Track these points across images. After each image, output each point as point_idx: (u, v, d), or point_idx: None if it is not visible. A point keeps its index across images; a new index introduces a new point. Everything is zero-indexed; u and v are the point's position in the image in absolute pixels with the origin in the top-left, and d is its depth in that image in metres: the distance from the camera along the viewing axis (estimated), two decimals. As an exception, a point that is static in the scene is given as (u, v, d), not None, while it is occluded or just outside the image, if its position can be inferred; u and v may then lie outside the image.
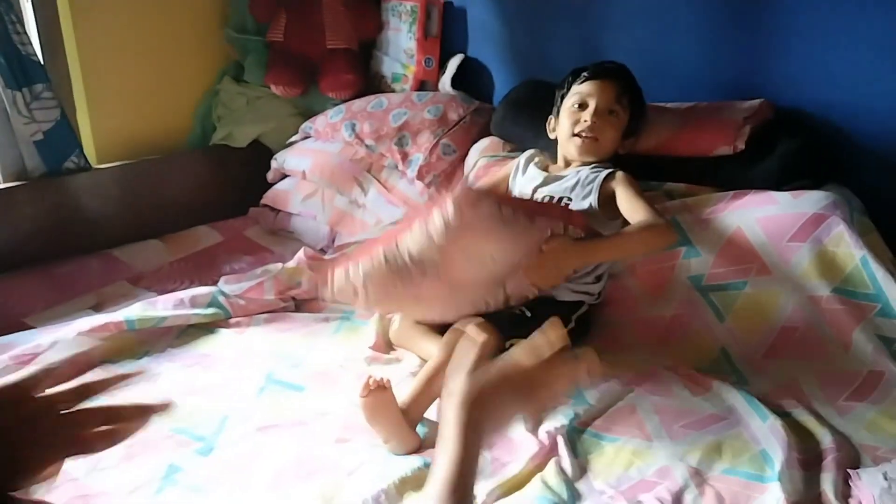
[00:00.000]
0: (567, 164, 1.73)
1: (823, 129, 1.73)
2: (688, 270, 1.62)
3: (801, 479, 1.15)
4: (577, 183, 1.64)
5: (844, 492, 1.13)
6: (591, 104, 1.66)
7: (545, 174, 1.72)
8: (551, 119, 1.78)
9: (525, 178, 1.74)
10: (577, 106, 1.68)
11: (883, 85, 1.66)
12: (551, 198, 1.66)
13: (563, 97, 1.73)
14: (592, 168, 1.66)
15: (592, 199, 1.61)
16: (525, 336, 1.49)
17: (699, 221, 1.65)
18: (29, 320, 1.77)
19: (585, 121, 1.65)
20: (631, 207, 1.57)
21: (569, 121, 1.68)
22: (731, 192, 1.67)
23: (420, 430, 1.31)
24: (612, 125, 1.67)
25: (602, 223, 1.59)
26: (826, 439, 1.24)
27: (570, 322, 1.59)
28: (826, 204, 1.58)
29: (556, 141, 1.76)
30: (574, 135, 1.66)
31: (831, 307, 1.48)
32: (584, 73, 1.70)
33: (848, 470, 1.16)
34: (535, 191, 1.69)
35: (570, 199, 1.63)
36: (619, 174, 1.63)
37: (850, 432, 1.28)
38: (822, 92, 1.74)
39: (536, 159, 1.79)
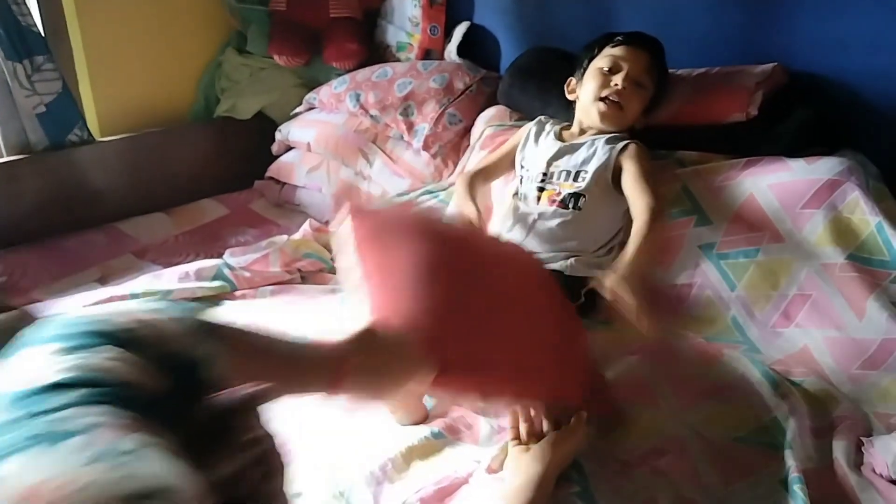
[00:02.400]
0: (582, 130, 1.69)
1: (838, 94, 1.69)
2: (699, 239, 1.60)
3: (814, 446, 1.13)
4: (593, 155, 1.60)
5: (857, 459, 1.12)
6: (624, 69, 1.61)
7: (560, 144, 1.68)
8: (572, 80, 1.73)
9: (539, 149, 1.70)
10: (607, 69, 1.62)
11: (900, 47, 1.62)
12: (568, 172, 1.62)
13: (591, 59, 1.68)
14: (608, 139, 1.62)
15: (608, 175, 1.58)
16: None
17: (711, 189, 1.62)
18: (35, 294, 1.77)
19: (616, 84, 1.60)
20: (633, 188, 1.52)
21: (595, 83, 1.63)
22: (744, 159, 1.63)
23: (426, 400, 1.30)
24: (639, 96, 1.62)
25: (614, 197, 1.57)
26: (838, 407, 1.23)
27: (580, 297, 1.57)
28: (841, 170, 1.54)
29: (569, 106, 1.72)
30: (600, 99, 1.62)
31: (845, 275, 1.45)
32: (619, 38, 1.65)
33: (861, 437, 1.15)
34: (549, 163, 1.66)
35: (586, 172, 1.60)
36: (632, 147, 1.59)
37: (863, 400, 1.27)
38: (837, 56, 1.70)
39: (548, 126, 1.75)
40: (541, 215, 1.62)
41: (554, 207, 1.61)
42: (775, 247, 1.53)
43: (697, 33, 1.91)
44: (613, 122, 1.63)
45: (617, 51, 1.63)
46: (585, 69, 1.68)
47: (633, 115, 1.63)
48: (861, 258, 1.46)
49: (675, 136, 1.75)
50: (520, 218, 1.66)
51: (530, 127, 1.77)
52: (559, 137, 1.70)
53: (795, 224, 1.52)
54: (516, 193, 1.72)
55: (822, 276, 1.48)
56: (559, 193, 1.61)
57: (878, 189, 1.54)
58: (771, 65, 1.70)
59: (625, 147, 1.59)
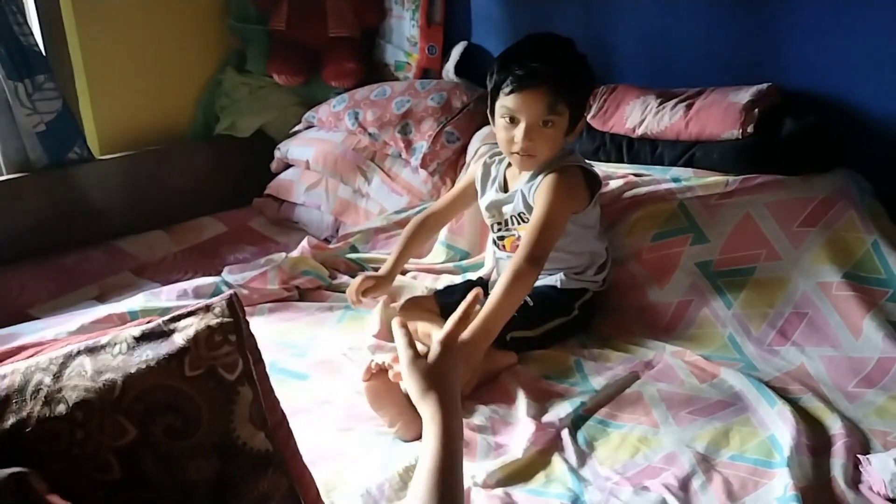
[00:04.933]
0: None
1: (832, 113, 1.70)
2: (695, 257, 1.61)
3: (811, 464, 1.13)
4: (524, 199, 1.57)
5: (854, 477, 1.11)
6: (522, 122, 1.47)
7: (501, 195, 1.63)
8: (489, 115, 1.58)
9: (487, 199, 1.67)
10: (507, 119, 1.49)
11: (892, 66, 1.63)
12: (517, 217, 1.60)
13: (492, 97, 1.53)
14: (529, 178, 1.56)
15: None
16: (528, 325, 1.50)
17: (707, 207, 1.63)
18: (33, 311, 1.77)
19: (517, 141, 1.48)
20: (527, 230, 1.46)
21: (501, 135, 1.52)
22: (740, 177, 1.65)
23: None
24: (548, 136, 1.48)
25: (569, 226, 1.55)
26: (835, 425, 1.22)
27: (574, 310, 1.58)
28: (836, 188, 1.56)
29: None
30: (511, 152, 1.53)
31: (842, 293, 1.46)
32: (510, 81, 1.46)
33: (858, 455, 1.15)
34: (500, 212, 1.64)
35: (528, 215, 1.56)
36: (543, 183, 1.50)
37: (860, 418, 1.27)
38: (831, 75, 1.72)
39: (493, 170, 1.68)
40: (510, 259, 1.61)
41: None
42: (772, 265, 1.54)
43: (694, 54, 1.93)
44: (532, 167, 1.55)
45: (509, 101, 1.46)
46: (493, 107, 1.54)
47: (549, 152, 1.52)
48: (857, 276, 1.47)
49: (670, 152, 1.77)
50: (497, 261, 1.69)
51: (479, 171, 1.70)
52: (503, 184, 1.65)
53: (791, 242, 1.53)
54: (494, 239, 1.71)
55: (819, 294, 1.48)
56: (519, 238, 1.61)
57: (873, 207, 1.55)
58: (766, 84, 1.72)
59: (539, 183, 1.52)
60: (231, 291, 0.64)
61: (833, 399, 1.33)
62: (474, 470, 1.13)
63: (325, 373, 1.48)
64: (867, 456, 1.14)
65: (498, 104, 1.50)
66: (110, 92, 2.26)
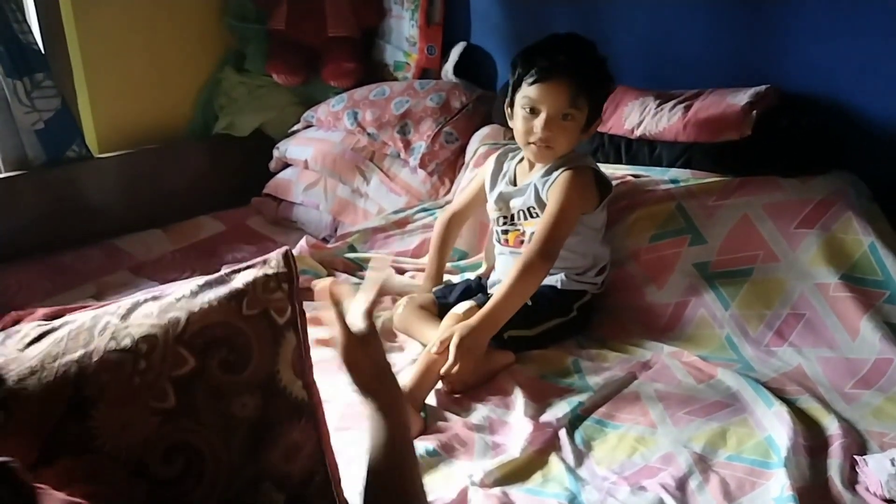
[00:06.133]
0: (532, 164, 1.63)
1: (830, 115, 1.71)
2: (693, 257, 1.61)
3: (808, 465, 1.13)
4: (536, 194, 1.57)
5: (851, 478, 1.12)
6: (542, 112, 1.50)
7: (511, 188, 1.64)
8: (507, 108, 1.61)
9: (496, 193, 1.67)
10: (528, 110, 1.52)
11: (890, 70, 1.63)
12: (525, 211, 1.60)
13: (514, 88, 1.56)
14: (543, 174, 1.57)
15: None
16: (526, 324, 1.50)
17: (705, 208, 1.64)
18: (29, 309, 1.76)
19: (537, 131, 1.51)
20: (539, 225, 1.50)
21: (520, 126, 1.54)
22: (738, 179, 1.65)
23: (422, 415, 1.30)
24: (566, 129, 1.52)
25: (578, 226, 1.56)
26: (832, 426, 1.23)
27: (572, 311, 1.58)
28: (834, 190, 1.57)
29: None
30: (528, 143, 1.55)
31: (839, 294, 1.46)
32: (534, 72, 1.50)
33: (855, 456, 1.15)
34: (508, 206, 1.64)
35: (535, 209, 1.58)
36: (559, 180, 1.53)
37: (857, 419, 1.27)
38: (830, 77, 1.72)
39: (506, 165, 1.70)
40: (512, 254, 1.62)
41: (524, 249, 1.57)
42: (769, 266, 1.54)
43: (692, 56, 1.93)
44: (547, 160, 1.57)
45: (532, 91, 1.50)
46: (513, 99, 1.57)
47: (566, 146, 1.55)
48: (854, 278, 1.47)
49: (668, 154, 1.77)
50: (498, 257, 1.69)
51: (490, 166, 1.72)
52: (513, 178, 1.66)
53: (789, 244, 1.53)
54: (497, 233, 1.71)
55: (816, 295, 1.48)
56: (523, 233, 1.61)
57: (871, 209, 1.55)
58: (764, 86, 1.72)
59: (555, 179, 1.54)
60: (286, 247, 0.70)
61: (830, 400, 1.33)
62: (472, 469, 1.13)
63: (322, 372, 1.47)
64: (864, 457, 1.14)
65: (519, 94, 1.53)
66: (109, 90, 2.26)
